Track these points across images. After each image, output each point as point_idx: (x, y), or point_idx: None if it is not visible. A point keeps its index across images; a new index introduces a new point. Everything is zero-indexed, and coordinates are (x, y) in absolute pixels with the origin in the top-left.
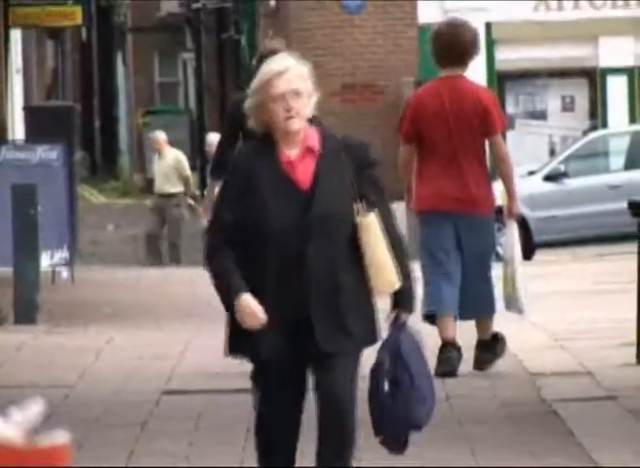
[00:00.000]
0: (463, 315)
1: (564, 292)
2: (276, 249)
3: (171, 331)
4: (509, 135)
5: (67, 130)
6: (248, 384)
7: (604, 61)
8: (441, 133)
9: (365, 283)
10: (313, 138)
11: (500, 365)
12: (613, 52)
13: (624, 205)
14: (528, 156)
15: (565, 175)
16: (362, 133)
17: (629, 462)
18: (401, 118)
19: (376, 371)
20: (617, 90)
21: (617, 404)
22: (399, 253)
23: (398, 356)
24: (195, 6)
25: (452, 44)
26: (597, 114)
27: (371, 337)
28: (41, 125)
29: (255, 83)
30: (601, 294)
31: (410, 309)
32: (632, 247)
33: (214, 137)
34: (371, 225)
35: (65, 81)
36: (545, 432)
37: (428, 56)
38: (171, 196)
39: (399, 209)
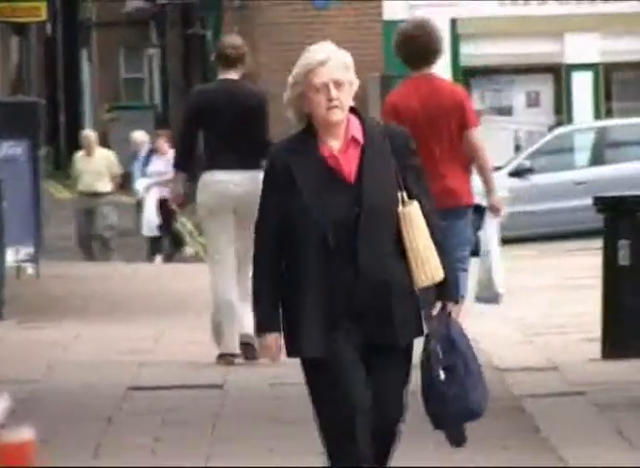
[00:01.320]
0: None
1: (531, 287)
2: (324, 243)
3: (139, 327)
4: None
5: (33, 125)
6: (215, 380)
7: (569, 58)
8: (420, 131)
9: (409, 274)
10: (356, 129)
11: None
12: (578, 48)
13: (590, 201)
14: (493, 152)
15: (530, 170)
16: None
17: (596, 457)
18: (383, 119)
19: (429, 363)
20: (582, 86)
21: (583, 399)
22: (442, 245)
23: (451, 344)
24: (161, 1)
25: (420, 46)
26: (562, 110)
27: (418, 330)
28: (6, 120)
29: (295, 73)
30: (568, 290)
31: (455, 299)
32: (599, 243)
33: (138, 136)
34: (413, 216)
35: (30, 76)
36: (514, 428)
37: (394, 51)
38: (101, 195)
39: None
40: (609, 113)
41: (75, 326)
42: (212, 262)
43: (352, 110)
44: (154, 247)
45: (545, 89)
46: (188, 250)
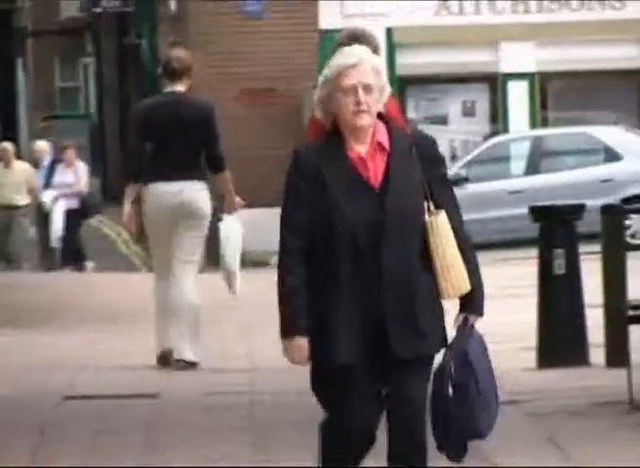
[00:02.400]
0: None
1: None
2: (349, 248)
3: (73, 336)
4: None
5: None
6: (151, 389)
7: (505, 67)
8: None
9: (435, 285)
10: (383, 135)
11: None
12: (514, 57)
13: (525, 210)
14: None
15: (466, 179)
16: (262, 137)
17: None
18: (310, 129)
19: (440, 375)
20: (517, 95)
21: (518, 408)
22: (469, 255)
23: (466, 361)
24: (96, 10)
25: None
26: (498, 119)
27: (442, 342)
28: None
29: (325, 73)
30: (504, 299)
31: (479, 313)
32: (535, 252)
33: (40, 146)
34: (440, 225)
35: None
36: None
37: (328, 61)
38: (18, 207)
39: None
40: (544, 122)
41: (7, 334)
42: (156, 270)
43: (380, 117)
44: (66, 257)
45: (481, 98)
46: (89, 264)
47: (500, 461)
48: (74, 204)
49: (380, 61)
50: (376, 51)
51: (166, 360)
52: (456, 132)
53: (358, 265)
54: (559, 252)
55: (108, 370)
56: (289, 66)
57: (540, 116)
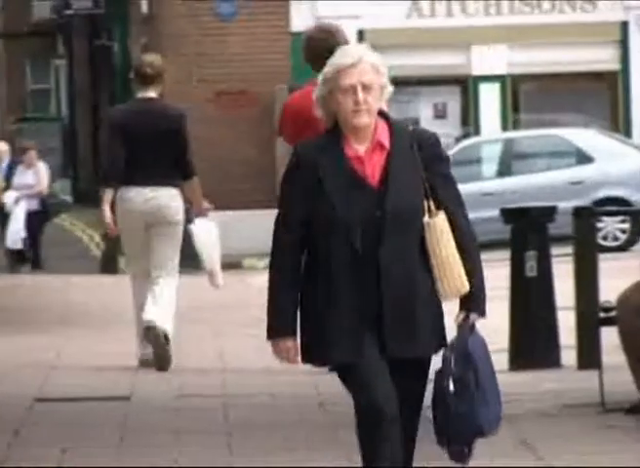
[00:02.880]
0: None
1: None
2: (346, 247)
3: (43, 338)
4: None
5: None
6: (122, 391)
7: (476, 69)
8: (317, 133)
9: (434, 284)
10: (383, 133)
11: None
12: (485, 60)
13: (497, 212)
14: None
15: None
16: (235, 139)
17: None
18: (280, 122)
19: (440, 373)
20: (489, 97)
21: None
22: (472, 253)
23: (465, 357)
24: (67, 12)
25: (324, 49)
26: (470, 121)
27: (440, 342)
28: None
29: (325, 71)
30: None
31: (481, 312)
32: (507, 254)
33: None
34: (439, 226)
35: None
36: (420, 438)
37: (301, 62)
38: None
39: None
40: (516, 125)
41: None
42: (132, 274)
43: (382, 114)
44: (16, 260)
45: (452, 100)
46: (25, 268)
47: (471, 464)
48: (35, 205)
49: (380, 60)
50: (344, 44)
51: (147, 364)
52: None
53: (355, 264)
54: (531, 254)
55: (80, 373)
56: (262, 68)
57: (511, 118)
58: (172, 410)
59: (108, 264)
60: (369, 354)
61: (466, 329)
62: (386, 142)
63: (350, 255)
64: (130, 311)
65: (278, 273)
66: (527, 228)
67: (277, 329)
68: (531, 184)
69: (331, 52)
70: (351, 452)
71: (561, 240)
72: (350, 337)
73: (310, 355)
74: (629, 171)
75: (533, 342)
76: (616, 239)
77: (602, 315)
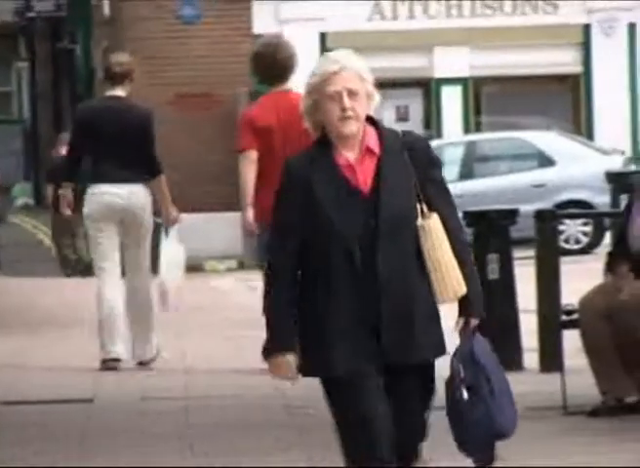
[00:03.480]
0: None
1: None
2: (341, 256)
3: (6, 341)
4: None
5: None
6: (85, 394)
7: (439, 72)
8: (276, 144)
9: (431, 290)
10: (372, 140)
11: None
12: (447, 62)
13: (459, 215)
14: None
15: None
16: (197, 142)
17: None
18: (240, 133)
19: (451, 382)
20: (451, 100)
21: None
22: (466, 257)
23: (474, 362)
24: (29, 15)
25: (271, 64)
26: (432, 124)
27: (440, 349)
28: None
29: (310, 80)
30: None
31: (479, 314)
32: None
33: None
34: (433, 228)
35: None
36: None
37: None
38: None
39: (237, 218)
40: (478, 127)
41: None
42: (98, 271)
43: (371, 120)
44: None
45: (415, 103)
46: None
47: (434, 464)
48: None
49: (365, 67)
50: (292, 58)
51: (108, 366)
52: None
53: (354, 274)
54: (493, 257)
55: (43, 375)
56: (223, 71)
57: (473, 121)
58: (135, 413)
59: (65, 266)
60: (364, 371)
61: (469, 335)
62: (376, 148)
63: (349, 266)
64: (91, 312)
65: (273, 286)
66: (489, 231)
67: (277, 344)
68: (493, 187)
69: (277, 66)
70: (313, 454)
71: (523, 243)
72: (347, 350)
73: (310, 368)
74: (591, 173)
75: (495, 345)
76: (578, 242)
77: (564, 318)
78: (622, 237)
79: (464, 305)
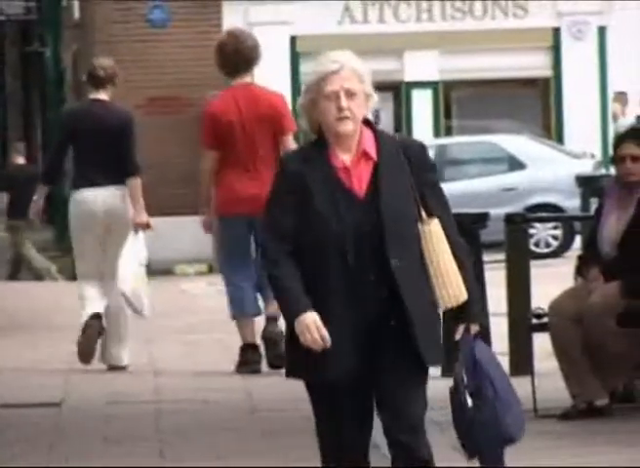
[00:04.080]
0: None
1: None
2: (336, 260)
3: None
4: None
5: None
6: (52, 398)
7: (409, 75)
8: (239, 139)
9: (431, 295)
10: (369, 143)
11: None
12: (417, 65)
13: None
14: None
15: None
16: (167, 145)
17: None
18: (202, 130)
19: (455, 389)
20: (421, 104)
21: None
22: (464, 262)
23: (476, 367)
24: None
25: (234, 53)
26: (402, 128)
27: (438, 351)
28: None
29: (308, 79)
30: None
31: (479, 320)
32: None
33: None
34: (434, 234)
35: None
36: None
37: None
38: None
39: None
40: (448, 131)
41: None
42: (80, 276)
43: (367, 123)
44: None
45: (385, 106)
46: None
47: None
48: None
49: (364, 67)
50: (254, 49)
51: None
52: None
53: (348, 278)
54: None
55: (10, 379)
56: (194, 74)
57: (443, 125)
58: (103, 417)
59: (16, 271)
60: (353, 375)
61: (470, 341)
62: (372, 152)
63: (342, 269)
64: (59, 316)
65: (275, 269)
66: (459, 234)
67: (297, 309)
68: (463, 191)
69: (240, 56)
70: (282, 458)
71: (493, 246)
72: (338, 354)
73: (299, 370)
74: (561, 177)
75: None
76: (548, 245)
77: (534, 321)
78: (593, 241)
79: (464, 311)
